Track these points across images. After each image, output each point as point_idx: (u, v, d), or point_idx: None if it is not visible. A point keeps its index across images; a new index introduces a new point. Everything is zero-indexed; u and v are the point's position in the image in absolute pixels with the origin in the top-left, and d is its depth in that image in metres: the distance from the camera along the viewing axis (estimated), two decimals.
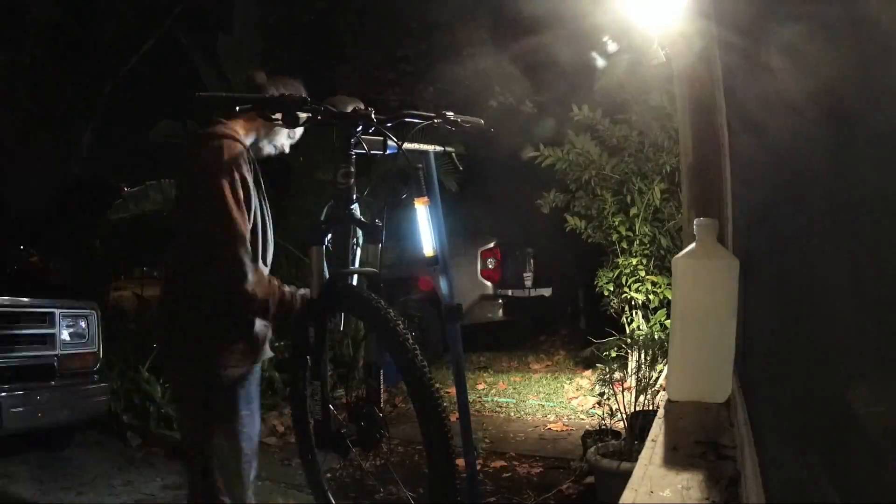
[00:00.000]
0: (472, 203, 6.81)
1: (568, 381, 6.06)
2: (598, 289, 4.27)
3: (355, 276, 1.88)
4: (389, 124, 1.87)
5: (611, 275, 4.17)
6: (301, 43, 7.06)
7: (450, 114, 1.98)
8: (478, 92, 5.59)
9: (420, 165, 2.59)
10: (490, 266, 7.22)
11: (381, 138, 1.89)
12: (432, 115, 1.93)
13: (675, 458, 1.25)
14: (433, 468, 1.51)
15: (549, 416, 5.11)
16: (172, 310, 1.91)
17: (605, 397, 3.45)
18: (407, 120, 1.91)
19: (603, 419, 3.54)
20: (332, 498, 1.99)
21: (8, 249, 6.38)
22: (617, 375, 3.54)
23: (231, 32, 5.69)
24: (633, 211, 4.11)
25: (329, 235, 1.85)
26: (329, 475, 2.42)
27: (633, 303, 4.11)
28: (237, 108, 1.71)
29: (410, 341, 1.53)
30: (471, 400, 4.67)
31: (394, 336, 1.55)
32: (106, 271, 7.56)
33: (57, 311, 4.06)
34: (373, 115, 1.81)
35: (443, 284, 2.72)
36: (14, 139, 6.53)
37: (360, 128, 1.80)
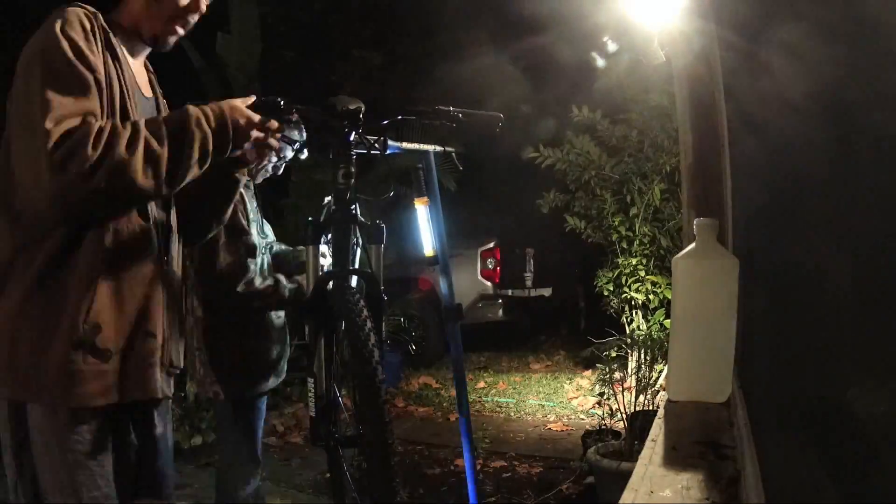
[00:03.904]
0: (472, 203, 6.81)
1: (568, 381, 6.06)
2: (598, 289, 4.26)
3: (354, 277, 1.87)
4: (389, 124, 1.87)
5: (611, 275, 4.16)
6: (301, 43, 7.06)
7: (447, 108, 1.97)
8: (478, 92, 5.59)
9: (420, 165, 2.59)
10: (490, 266, 7.22)
11: (382, 138, 1.89)
12: (429, 110, 1.92)
13: (675, 458, 1.25)
14: (372, 468, 1.51)
15: (549, 416, 5.11)
16: None
17: (605, 397, 3.45)
18: (406, 119, 1.91)
19: (603, 419, 3.54)
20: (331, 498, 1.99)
21: None
22: (617, 375, 3.54)
23: (231, 32, 5.69)
24: (633, 211, 4.10)
25: (329, 236, 1.85)
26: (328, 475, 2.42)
27: (633, 303, 4.11)
28: None
29: (373, 340, 1.51)
30: (471, 400, 4.67)
31: (357, 330, 1.52)
32: None
33: None
34: (373, 116, 1.81)
35: (443, 284, 2.73)
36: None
37: (360, 128, 1.80)
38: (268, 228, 2.38)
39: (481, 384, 6.15)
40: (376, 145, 1.83)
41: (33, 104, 1.27)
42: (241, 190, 1.88)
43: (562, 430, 4.70)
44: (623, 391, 3.44)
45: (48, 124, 1.23)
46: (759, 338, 1.25)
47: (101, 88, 1.34)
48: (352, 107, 1.73)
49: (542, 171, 4.32)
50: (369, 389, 1.48)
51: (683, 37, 2.05)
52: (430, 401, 5.59)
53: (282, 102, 1.59)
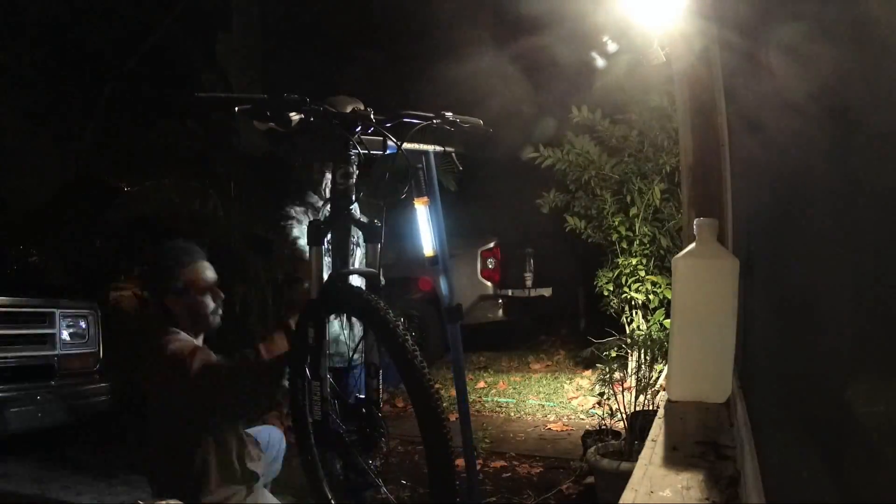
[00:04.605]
0: (472, 203, 6.80)
1: (568, 381, 6.06)
2: (597, 289, 4.26)
3: (355, 277, 1.87)
4: (388, 125, 1.87)
5: (611, 275, 4.16)
6: (301, 43, 7.05)
7: (449, 114, 1.98)
8: (477, 92, 5.58)
9: (420, 165, 2.59)
10: (490, 266, 7.21)
11: (381, 138, 1.89)
12: (431, 115, 1.93)
13: (675, 458, 1.25)
14: (433, 470, 1.51)
15: (549, 416, 5.11)
16: None
17: (605, 397, 3.45)
18: (406, 120, 1.91)
19: (603, 419, 3.54)
20: (331, 498, 1.99)
21: (8, 249, 6.39)
22: (617, 375, 3.53)
23: (231, 32, 5.69)
24: (633, 211, 4.11)
25: (328, 236, 1.85)
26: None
27: (633, 303, 4.11)
28: (235, 109, 1.71)
29: (410, 342, 1.53)
30: (471, 400, 4.67)
31: (393, 337, 1.54)
32: (106, 271, 7.55)
33: (57, 311, 4.06)
34: (371, 116, 1.80)
35: (443, 284, 2.72)
36: (14, 139, 6.53)
37: (359, 128, 1.79)
38: None
39: (481, 384, 6.15)
40: (390, 143, 1.83)
41: None
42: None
43: (562, 430, 4.70)
44: (623, 391, 3.44)
45: None
46: (759, 338, 1.25)
47: None
48: (351, 106, 1.73)
49: (542, 171, 4.32)
50: (424, 395, 1.49)
51: (684, 37, 2.05)
52: None
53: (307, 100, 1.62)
